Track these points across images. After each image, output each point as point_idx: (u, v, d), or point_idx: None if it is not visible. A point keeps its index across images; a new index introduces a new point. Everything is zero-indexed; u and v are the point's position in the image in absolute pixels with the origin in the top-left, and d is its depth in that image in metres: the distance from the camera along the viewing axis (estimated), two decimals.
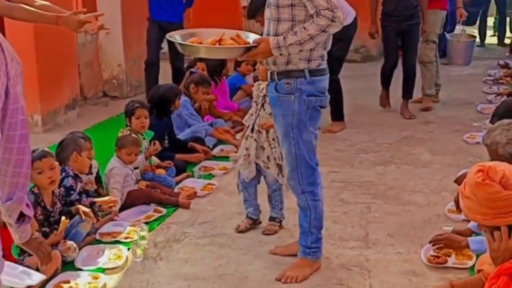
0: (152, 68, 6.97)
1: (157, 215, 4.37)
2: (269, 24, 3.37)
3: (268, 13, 3.38)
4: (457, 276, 3.42)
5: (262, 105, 3.90)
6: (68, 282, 3.43)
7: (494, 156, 3.05)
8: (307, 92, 3.35)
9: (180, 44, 3.39)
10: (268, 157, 3.92)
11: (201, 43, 3.39)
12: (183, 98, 5.68)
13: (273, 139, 3.87)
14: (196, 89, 5.90)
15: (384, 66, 6.98)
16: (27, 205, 2.15)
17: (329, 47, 3.42)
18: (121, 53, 7.71)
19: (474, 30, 11.16)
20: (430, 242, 3.65)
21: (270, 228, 4.08)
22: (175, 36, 3.46)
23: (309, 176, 3.46)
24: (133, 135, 4.67)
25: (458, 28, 9.06)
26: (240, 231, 4.10)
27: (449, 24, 8.46)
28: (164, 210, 4.43)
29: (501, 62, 8.90)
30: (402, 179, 4.99)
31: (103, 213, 4.13)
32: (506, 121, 3.21)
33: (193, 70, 6.29)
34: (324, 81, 3.43)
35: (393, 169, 5.22)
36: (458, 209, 4.01)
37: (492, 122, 3.81)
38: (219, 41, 3.37)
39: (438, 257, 3.59)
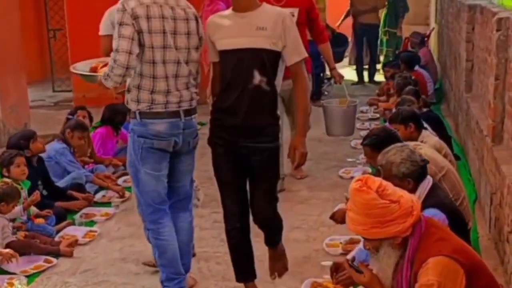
0: None
1: (47, 265, 4.27)
2: None
3: None
4: None
5: None
6: None
7: (387, 176, 3.17)
8: (138, 133, 3.48)
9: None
10: None
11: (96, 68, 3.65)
12: (61, 145, 5.60)
13: None
14: (72, 134, 5.80)
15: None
16: None
17: (159, 90, 3.39)
18: None
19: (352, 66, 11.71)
20: (337, 284, 3.19)
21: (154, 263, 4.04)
22: (78, 65, 3.83)
23: (150, 214, 3.55)
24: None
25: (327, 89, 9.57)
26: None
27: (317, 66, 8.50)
28: (54, 260, 4.33)
29: (371, 100, 9.32)
30: (281, 216, 5.10)
31: None
32: (399, 144, 3.43)
33: (69, 116, 6.22)
34: (159, 125, 3.43)
35: None
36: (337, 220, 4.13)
37: (362, 143, 4.01)
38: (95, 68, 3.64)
39: None
